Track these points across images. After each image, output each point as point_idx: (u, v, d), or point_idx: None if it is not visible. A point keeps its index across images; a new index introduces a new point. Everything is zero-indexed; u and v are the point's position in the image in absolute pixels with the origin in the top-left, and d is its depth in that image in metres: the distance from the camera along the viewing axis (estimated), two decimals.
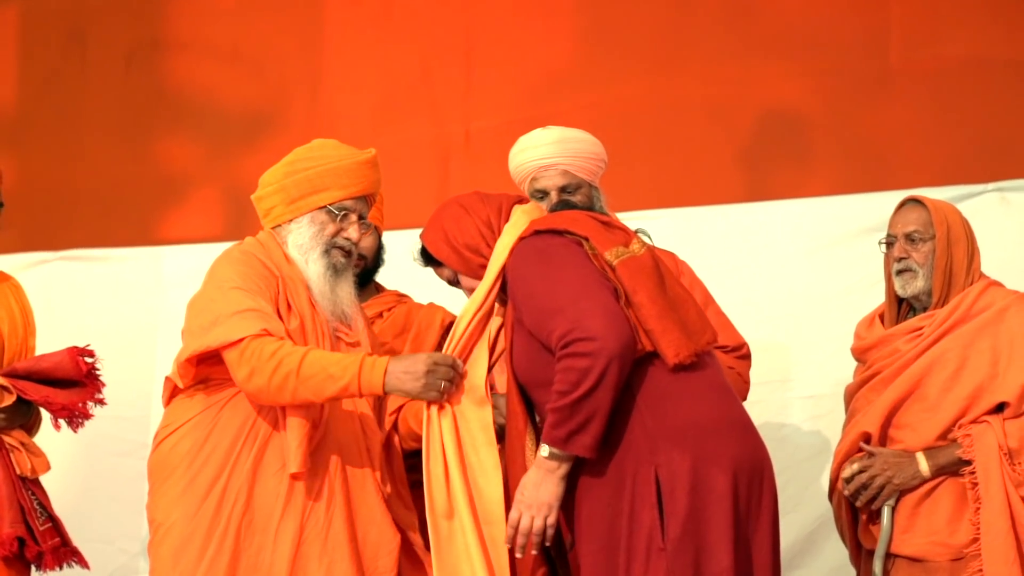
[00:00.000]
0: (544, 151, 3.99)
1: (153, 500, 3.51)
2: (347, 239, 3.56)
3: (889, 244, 3.86)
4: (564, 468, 3.18)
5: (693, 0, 5.49)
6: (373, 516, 3.51)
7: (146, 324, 5.45)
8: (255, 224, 5.80)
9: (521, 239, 3.34)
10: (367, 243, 3.98)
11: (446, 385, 3.31)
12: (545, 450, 3.18)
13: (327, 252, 3.54)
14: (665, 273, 3.31)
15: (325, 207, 3.55)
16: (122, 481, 5.32)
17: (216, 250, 5.44)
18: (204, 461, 3.44)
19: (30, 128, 6.10)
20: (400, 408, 3.77)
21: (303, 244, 3.54)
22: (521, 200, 3.51)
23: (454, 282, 3.48)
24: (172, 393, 3.54)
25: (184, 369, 3.45)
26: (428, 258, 3.50)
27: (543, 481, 3.19)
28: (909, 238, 3.81)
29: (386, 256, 4.18)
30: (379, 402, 3.65)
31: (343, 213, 3.56)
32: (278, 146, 5.85)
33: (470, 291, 3.45)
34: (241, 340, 3.33)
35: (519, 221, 3.40)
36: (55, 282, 5.43)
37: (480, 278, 3.42)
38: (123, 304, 5.56)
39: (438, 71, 5.74)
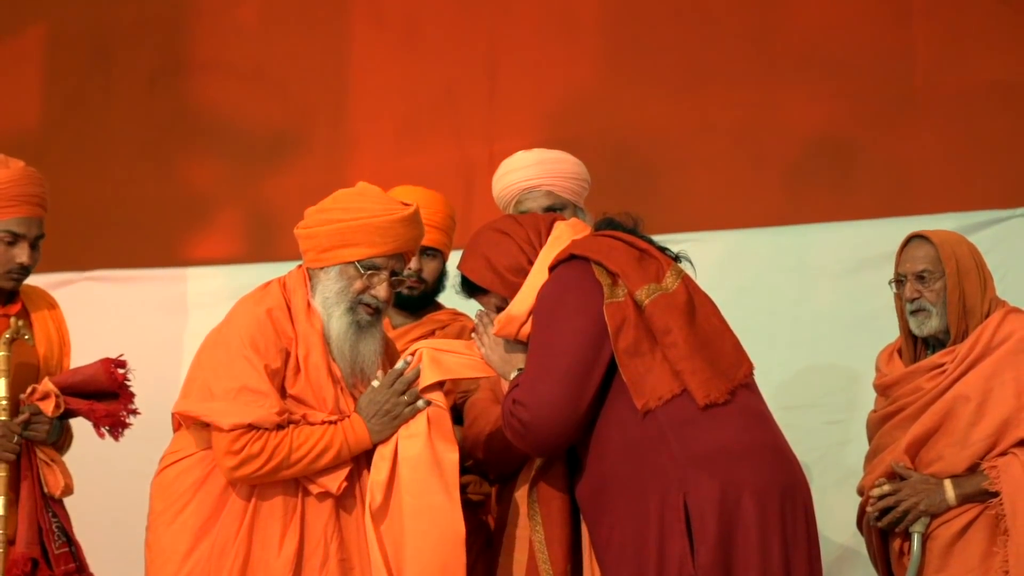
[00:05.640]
0: (527, 173, 3.99)
1: (154, 525, 3.50)
2: (374, 297, 3.47)
3: (899, 283, 3.83)
4: None
5: (717, 23, 5.50)
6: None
7: (170, 344, 5.45)
8: (278, 245, 5.84)
9: (557, 261, 3.35)
10: (428, 269, 4.06)
11: (405, 405, 3.40)
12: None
13: (352, 309, 3.47)
14: (699, 306, 3.31)
15: (353, 263, 3.47)
16: (143, 501, 5.30)
17: (239, 272, 5.52)
18: (209, 498, 3.44)
19: (55, 148, 6.12)
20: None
21: (328, 298, 3.47)
22: (557, 218, 3.51)
23: (503, 309, 3.44)
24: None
25: (184, 418, 3.49)
26: (471, 288, 3.48)
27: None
28: (919, 277, 3.78)
29: (448, 283, 4.16)
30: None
31: (371, 270, 3.46)
32: (302, 167, 5.92)
33: None
34: (231, 431, 3.36)
35: (563, 235, 3.42)
36: (80, 302, 5.41)
37: None
38: (147, 324, 5.55)
39: (462, 92, 5.75)
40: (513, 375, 3.36)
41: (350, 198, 3.52)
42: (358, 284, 3.47)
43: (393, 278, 3.50)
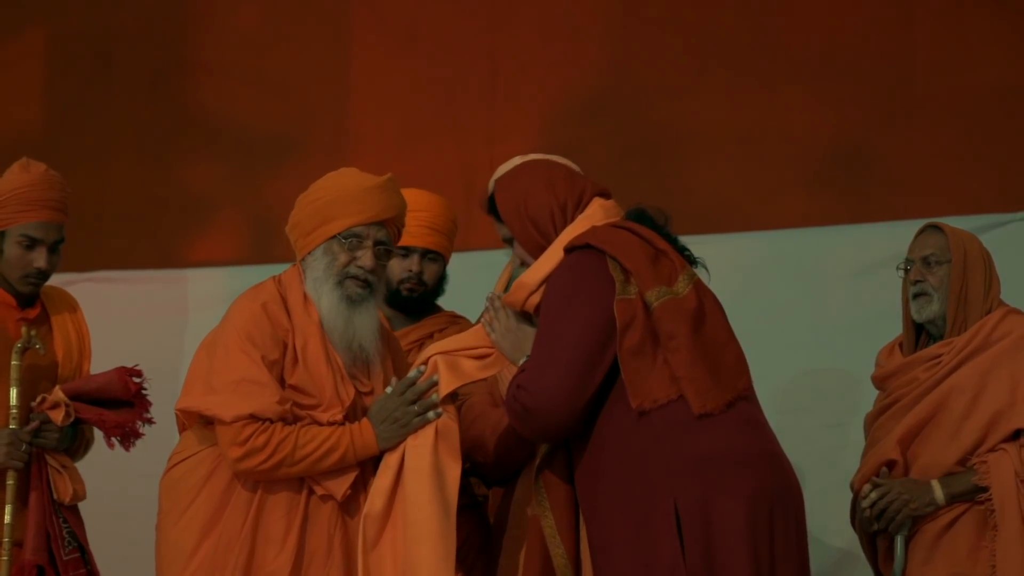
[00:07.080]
0: None
1: (162, 524, 3.54)
2: (360, 267, 3.49)
3: (907, 269, 3.87)
4: None
5: (718, 27, 5.51)
6: None
7: (170, 346, 5.45)
8: (279, 247, 5.84)
9: (573, 246, 3.35)
10: (429, 272, 4.09)
11: (417, 414, 3.40)
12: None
13: (340, 283, 3.49)
14: (709, 314, 3.32)
15: (335, 236, 3.50)
16: (146, 502, 5.30)
17: (240, 273, 5.53)
18: (214, 494, 3.46)
19: (56, 150, 6.11)
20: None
21: (318, 278, 3.50)
22: (603, 193, 3.50)
23: (508, 241, 3.49)
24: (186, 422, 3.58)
25: (187, 416, 3.51)
26: (494, 209, 3.49)
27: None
28: (925, 261, 3.83)
29: (447, 286, 4.17)
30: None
31: (352, 240, 3.49)
32: (303, 170, 5.90)
33: (519, 259, 3.49)
34: (233, 423, 3.36)
35: (593, 216, 3.42)
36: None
37: (533, 255, 3.44)
38: (148, 326, 5.56)
39: (463, 96, 5.76)
40: (522, 361, 3.37)
41: (327, 179, 3.59)
42: (343, 258, 3.49)
43: (378, 247, 3.51)
